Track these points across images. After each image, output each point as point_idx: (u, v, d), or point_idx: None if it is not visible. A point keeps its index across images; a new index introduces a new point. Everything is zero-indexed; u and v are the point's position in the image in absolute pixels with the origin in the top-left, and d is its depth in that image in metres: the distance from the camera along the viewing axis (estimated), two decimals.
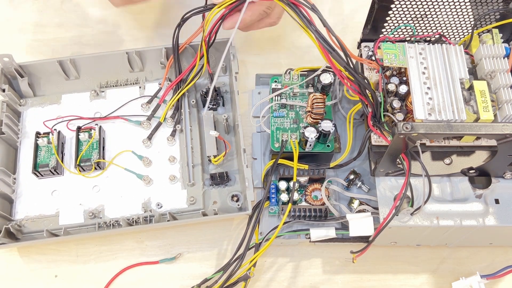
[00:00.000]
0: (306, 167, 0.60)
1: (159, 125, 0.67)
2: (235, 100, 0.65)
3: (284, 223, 0.60)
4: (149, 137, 0.66)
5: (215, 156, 0.63)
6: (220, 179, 0.63)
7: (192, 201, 0.63)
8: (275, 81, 0.64)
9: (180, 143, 0.66)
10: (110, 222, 0.61)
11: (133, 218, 0.60)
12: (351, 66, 0.50)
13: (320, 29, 0.50)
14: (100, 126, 0.66)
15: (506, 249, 0.64)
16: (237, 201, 0.63)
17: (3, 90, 0.65)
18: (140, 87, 0.70)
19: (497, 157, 0.52)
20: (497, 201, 0.55)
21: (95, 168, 0.63)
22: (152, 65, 0.70)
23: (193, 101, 0.68)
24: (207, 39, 0.61)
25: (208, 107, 0.66)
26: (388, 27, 0.61)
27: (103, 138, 0.66)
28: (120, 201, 0.63)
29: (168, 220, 0.60)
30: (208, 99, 0.61)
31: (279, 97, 0.63)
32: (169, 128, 0.67)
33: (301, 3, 0.49)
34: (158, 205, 0.62)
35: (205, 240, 0.64)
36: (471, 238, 0.59)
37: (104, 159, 0.64)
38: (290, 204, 0.58)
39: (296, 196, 0.60)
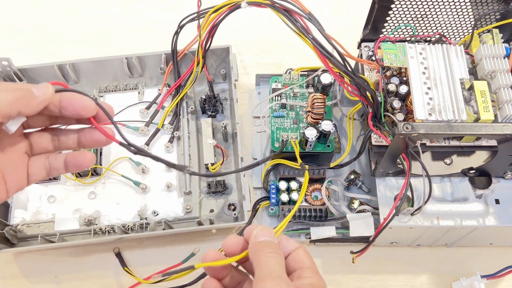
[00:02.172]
0: (306, 167, 0.59)
1: (157, 131, 0.66)
2: (234, 107, 0.65)
3: None
4: (147, 143, 0.65)
5: (212, 164, 0.63)
6: (217, 187, 0.63)
7: (188, 209, 0.62)
8: (275, 81, 0.64)
9: (178, 150, 0.66)
10: (105, 228, 0.60)
11: (128, 225, 0.60)
12: (350, 69, 0.50)
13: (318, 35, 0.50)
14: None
15: (506, 249, 0.64)
16: (233, 210, 0.62)
17: None
18: (139, 93, 0.69)
19: (498, 157, 0.52)
20: (497, 201, 0.55)
21: (92, 174, 0.63)
22: (152, 70, 0.70)
23: (191, 108, 0.68)
24: (203, 44, 0.61)
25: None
26: (388, 27, 0.61)
27: None
28: (116, 208, 0.62)
29: (163, 229, 0.60)
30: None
31: (279, 97, 0.63)
32: (167, 134, 0.66)
33: (296, 12, 0.49)
34: (154, 212, 0.62)
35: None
36: (472, 238, 0.59)
37: (101, 165, 0.64)
38: (296, 205, 0.57)
39: (296, 196, 0.60)
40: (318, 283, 0.36)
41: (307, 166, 0.58)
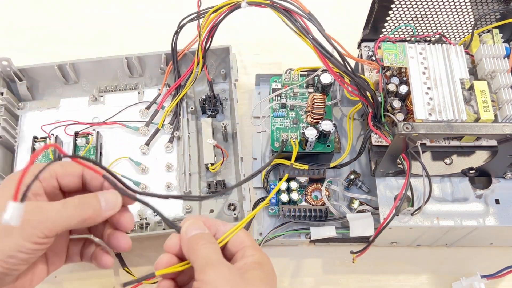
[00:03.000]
0: (306, 167, 0.60)
1: (157, 131, 0.66)
2: (234, 107, 0.65)
3: (284, 223, 0.60)
4: (147, 143, 0.65)
5: (212, 164, 0.63)
6: (217, 187, 0.63)
7: (188, 209, 0.62)
8: (275, 81, 0.64)
9: (178, 150, 0.65)
10: None
11: None
12: (350, 69, 0.50)
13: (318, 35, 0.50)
14: (98, 132, 0.65)
15: (506, 249, 0.64)
16: (233, 210, 0.62)
17: (1, 94, 0.64)
18: (139, 93, 0.69)
19: (498, 157, 0.52)
20: (497, 201, 0.55)
21: None
22: (152, 70, 0.70)
23: (191, 108, 0.68)
24: (203, 44, 0.61)
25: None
26: (388, 27, 0.61)
27: (101, 143, 0.65)
28: None
29: (163, 229, 0.60)
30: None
31: (279, 97, 0.63)
32: (167, 134, 0.66)
33: (296, 12, 0.49)
34: (154, 212, 0.62)
35: None
36: (472, 238, 0.59)
37: None
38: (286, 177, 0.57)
39: (296, 196, 0.60)
40: (261, 259, 0.37)
41: (302, 167, 0.58)
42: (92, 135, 0.64)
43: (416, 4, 0.57)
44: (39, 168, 0.33)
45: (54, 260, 0.39)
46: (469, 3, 0.58)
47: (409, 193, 0.54)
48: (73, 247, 0.41)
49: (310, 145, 0.58)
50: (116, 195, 0.38)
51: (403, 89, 0.56)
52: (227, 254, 0.39)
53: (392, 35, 0.61)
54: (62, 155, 0.35)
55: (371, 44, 0.62)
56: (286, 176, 0.57)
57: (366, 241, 0.58)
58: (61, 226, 0.35)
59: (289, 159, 0.60)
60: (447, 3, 0.57)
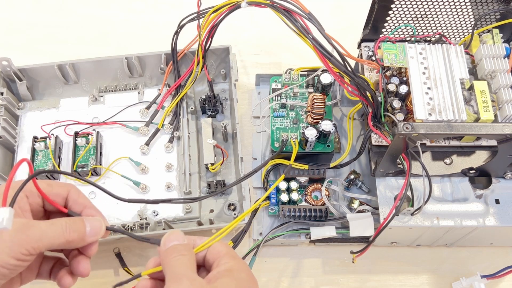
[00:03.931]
0: (306, 167, 0.60)
1: (157, 131, 0.66)
2: (234, 107, 0.65)
3: (284, 223, 0.60)
4: (147, 143, 0.65)
5: (212, 164, 0.63)
6: (217, 187, 0.63)
7: (188, 209, 0.62)
8: (275, 81, 0.64)
9: (178, 150, 0.65)
10: None
11: (128, 225, 0.60)
12: (350, 69, 0.50)
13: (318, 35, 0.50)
14: (98, 132, 0.65)
15: (506, 250, 0.64)
16: (233, 210, 0.62)
17: (1, 94, 0.64)
18: (139, 93, 0.69)
19: (498, 157, 0.52)
20: (497, 201, 0.55)
21: (92, 174, 0.63)
22: (152, 70, 0.70)
23: (191, 108, 0.68)
24: (203, 44, 0.61)
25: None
26: (388, 27, 0.61)
27: (101, 143, 0.65)
28: (116, 208, 0.62)
29: (163, 229, 0.60)
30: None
31: (279, 97, 0.63)
32: (167, 134, 0.66)
33: (296, 12, 0.49)
34: (154, 212, 0.62)
35: None
36: (472, 238, 0.59)
37: (101, 165, 0.64)
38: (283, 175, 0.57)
39: (296, 196, 0.60)
40: (233, 266, 0.38)
41: (302, 167, 0.58)
42: (92, 135, 0.64)
43: (416, 4, 0.57)
44: (26, 180, 0.35)
45: (27, 275, 0.41)
46: (469, 3, 0.58)
47: (409, 193, 0.54)
48: (45, 264, 0.42)
49: (310, 145, 0.58)
50: (101, 222, 0.40)
51: (403, 89, 0.56)
52: (206, 265, 0.40)
53: (392, 35, 0.61)
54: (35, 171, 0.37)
55: (371, 44, 0.62)
56: (282, 177, 0.57)
57: (366, 241, 0.58)
58: (45, 245, 0.36)
59: (289, 159, 0.60)
60: (447, 3, 0.57)
